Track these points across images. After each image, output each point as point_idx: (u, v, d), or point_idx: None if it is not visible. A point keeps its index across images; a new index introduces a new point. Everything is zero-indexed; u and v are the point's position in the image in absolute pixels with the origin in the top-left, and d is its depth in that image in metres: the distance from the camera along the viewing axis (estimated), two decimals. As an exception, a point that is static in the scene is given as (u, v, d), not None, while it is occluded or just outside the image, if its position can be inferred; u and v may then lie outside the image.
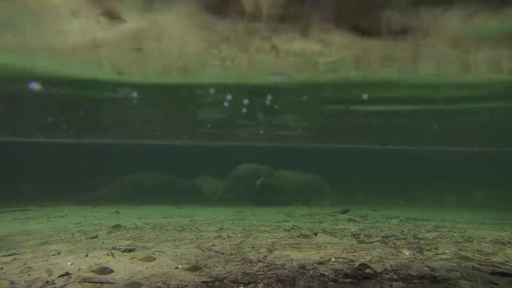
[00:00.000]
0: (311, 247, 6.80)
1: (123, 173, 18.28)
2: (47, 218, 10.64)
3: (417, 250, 6.56)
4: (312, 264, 5.52)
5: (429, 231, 8.80)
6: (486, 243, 7.16)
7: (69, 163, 27.18)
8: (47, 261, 5.44)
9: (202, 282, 4.65)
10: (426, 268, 5.17)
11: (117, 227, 9.08)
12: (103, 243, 6.99)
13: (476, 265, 5.31)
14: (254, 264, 5.54)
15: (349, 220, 11.05)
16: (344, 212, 12.12)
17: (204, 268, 5.31)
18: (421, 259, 5.85)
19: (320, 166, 20.51)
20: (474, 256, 6.01)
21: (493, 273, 4.76)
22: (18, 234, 7.99)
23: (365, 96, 11.75)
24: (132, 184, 17.62)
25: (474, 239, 7.58)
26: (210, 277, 4.86)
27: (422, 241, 7.42)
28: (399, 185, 23.40)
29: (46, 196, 16.25)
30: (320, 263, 5.59)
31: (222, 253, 6.28)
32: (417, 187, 22.88)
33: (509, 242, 7.21)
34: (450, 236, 8.11)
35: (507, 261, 5.47)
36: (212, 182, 19.52)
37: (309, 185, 17.67)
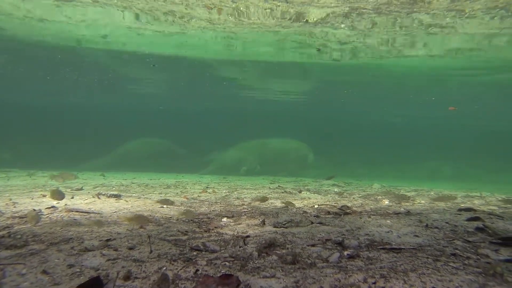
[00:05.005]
0: (295, 199, 7.00)
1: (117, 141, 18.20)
2: (30, 177, 10.51)
3: (396, 201, 6.86)
4: (295, 207, 5.71)
5: (409, 192, 9.17)
6: (458, 197, 7.55)
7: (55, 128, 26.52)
8: (32, 199, 5.44)
9: (188, 215, 4.76)
10: (402, 209, 5.44)
11: (103, 185, 9.08)
12: (88, 192, 7.00)
13: (446, 208, 5.62)
14: (238, 206, 5.69)
15: (334, 185, 11.35)
16: (329, 178, 12.43)
17: (190, 208, 5.43)
18: (399, 206, 6.14)
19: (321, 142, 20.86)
20: (445, 204, 6.35)
21: (460, 210, 5.07)
22: (1, 187, 7.89)
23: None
24: (123, 154, 17.53)
25: (447, 195, 7.97)
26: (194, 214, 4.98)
27: (401, 197, 7.74)
28: (393, 159, 24.04)
29: (28, 163, 15.94)
30: (304, 206, 5.79)
31: (207, 201, 6.41)
32: (411, 160, 23.55)
33: (477, 196, 7.62)
34: (427, 194, 8.48)
35: (472, 207, 5.81)
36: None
37: (293, 153, 17.75)
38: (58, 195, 4.71)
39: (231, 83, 19.91)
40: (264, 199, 6.66)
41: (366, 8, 7.99)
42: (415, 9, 8.40)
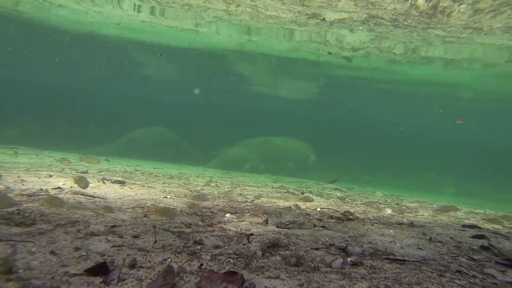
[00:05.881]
0: (297, 200, 7.00)
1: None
2: (36, 156, 10.61)
3: (399, 211, 6.83)
4: (299, 209, 5.71)
5: (411, 203, 9.13)
6: (461, 212, 7.50)
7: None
8: (39, 179, 5.49)
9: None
10: (405, 220, 5.42)
11: (107, 170, 9.14)
12: (93, 176, 7.06)
13: (449, 223, 5.59)
14: (241, 203, 5.71)
15: (336, 189, 11.33)
16: (331, 182, 12.41)
17: (194, 201, 5.44)
18: (402, 216, 6.11)
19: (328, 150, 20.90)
20: (449, 218, 6.31)
21: (464, 226, 5.04)
22: (9, 163, 7.97)
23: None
24: (129, 141, 17.69)
25: (450, 210, 7.92)
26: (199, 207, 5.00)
27: (404, 207, 7.71)
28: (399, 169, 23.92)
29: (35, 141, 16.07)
30: (307, 208, 5.79)
31: (210, 195, 6.42)
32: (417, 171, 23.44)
33: (480, 213, 7.57)
34: (430, 207, 8.43)
35: (476, 223, 5.77)
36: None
37: (295, 154, 17.72)
38: (83, 182, 4.75)
39: (239, 78, 19.91)
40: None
41: (383, 18, 7.95)
42: (431, 25, 8.31)
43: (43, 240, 2.44)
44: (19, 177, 5.29)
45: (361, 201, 8.18)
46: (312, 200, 6.87)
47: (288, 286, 2.11)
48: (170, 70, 19.50)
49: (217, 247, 2.96)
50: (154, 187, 6.43)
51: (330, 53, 11.90)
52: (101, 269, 2.08)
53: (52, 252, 2.24)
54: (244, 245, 3.04)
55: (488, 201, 15.40)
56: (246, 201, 5.96)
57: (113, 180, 6.31)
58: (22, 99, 26.44)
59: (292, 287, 2.11)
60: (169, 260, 2.44)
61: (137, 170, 9.87)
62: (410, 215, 6.52)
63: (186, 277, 2.18)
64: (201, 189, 7.05)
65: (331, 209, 6.02)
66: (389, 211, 6.51)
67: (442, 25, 8.64)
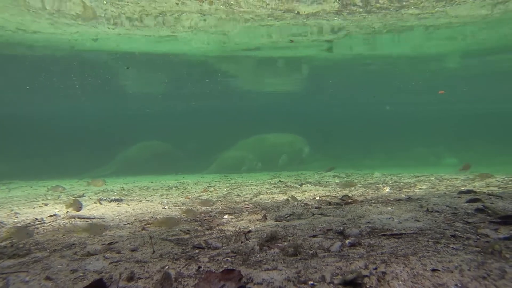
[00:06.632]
0: (296, 192, 7.02)
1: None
2: (31, 187, 10.53)
3: (397, 188, 6.88)
4: (297, 200, 5.73)
5: (409, 178, 9.18)
6: (458, 180, 7.57)
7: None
8: (34, 209, 5.45)
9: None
10: (403, 196, 5.46)
11: (104, 190, 9.10)
12: (90, 198, 7.02)
13: (447, 192, 5.64)
14: (239, 203, 5.71)
15: (334, 176, 11.36)
16: (329, 170, 12.45)
17: (191, 207, 5.44)
18: (400, 192, 6.16)
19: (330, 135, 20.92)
20: (446, 188, 6.36)
21: (460, 192, 5.09)
22: (1, 199, 7.90)
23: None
24: (124, 159, 17.64)
25: (448, 180, 7.99)
26: (196, 212, 4.99)
27: (402, 184, 7.76)
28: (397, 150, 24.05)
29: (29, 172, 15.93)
30: (305, 198, 5.81)
31: (208, 200, 6.42)
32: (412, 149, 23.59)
33: (477, 179, 7.64)
34: (428, 180, 8.50)
35: (473, 189, 5.83)
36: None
37: (290, 147, 17.78)
38: (76, 205, 4.73)
39: (219, 79, 19.87)
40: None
41: (356, 5, 8.01)
42: (404, 2, 8.38)
43: (38, 267, 2.43)
44: (12, 210, 5.25)
45: (360, 184, 8.22)
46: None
47: (286, 275, 2.12)
48: (149, 80, 19.47)
49: (215, 248, 2.96)
50: (152, 200, 6.41)
51: (291, 41, 11.97)
52: (97, 286, 2.08)
53: (47, 278, 2.23)
54: (242, 242, 3.05)
55: (484, 167, 15.54)
56: (244, 201, 5.97)
57: (110, 200, 6.28)
58: (7, 133, 26.02)
59: (290, 275, 2.12)
60: (167, 267, 2.44)
61: (134, 187, 9.83)
62: (409, 190, 6.57)
63: (184, 281, 2.18)
64: (200, 196, 7.04)
65: (330, 195, 6.04)
66: (387, 189, 6.55)
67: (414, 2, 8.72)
